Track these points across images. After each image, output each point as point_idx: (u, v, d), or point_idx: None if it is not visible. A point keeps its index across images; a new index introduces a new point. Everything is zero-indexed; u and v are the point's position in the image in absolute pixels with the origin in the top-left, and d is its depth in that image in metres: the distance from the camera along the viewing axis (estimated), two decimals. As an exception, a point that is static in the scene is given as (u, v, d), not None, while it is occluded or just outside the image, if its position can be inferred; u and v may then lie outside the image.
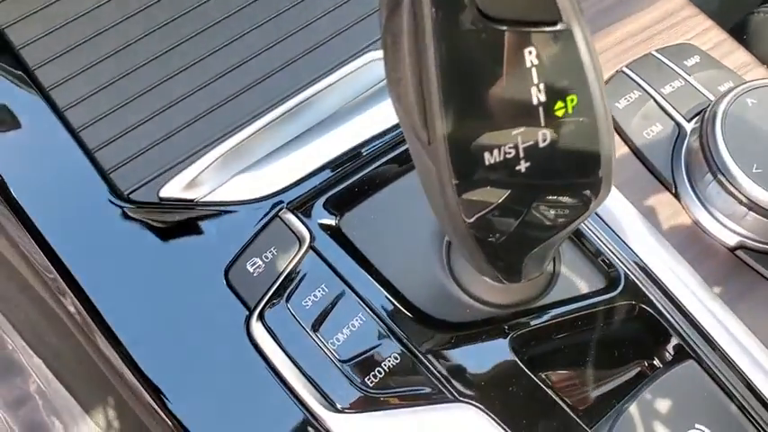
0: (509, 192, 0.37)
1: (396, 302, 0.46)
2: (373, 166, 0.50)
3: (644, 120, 0.52)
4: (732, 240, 0.48)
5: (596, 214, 0.49)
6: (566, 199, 0.38)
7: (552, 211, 0.38)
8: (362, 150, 0.51)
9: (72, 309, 0.50)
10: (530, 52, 0.32)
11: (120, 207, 0.49)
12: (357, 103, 0.52)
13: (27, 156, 0.51)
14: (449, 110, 0.33)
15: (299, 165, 0.51)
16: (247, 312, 0.46)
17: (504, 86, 0.33)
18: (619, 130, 0.52)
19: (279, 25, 0.56)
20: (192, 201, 0.50)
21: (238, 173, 0.50)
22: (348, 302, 0.46)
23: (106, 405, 0.92)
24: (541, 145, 0.35)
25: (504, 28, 0.31)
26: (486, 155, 0.34)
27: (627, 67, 0.54)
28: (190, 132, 0.52)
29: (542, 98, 0.34)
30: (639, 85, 0.53)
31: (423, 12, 0.31)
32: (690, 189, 0.50)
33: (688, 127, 0.51)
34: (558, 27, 0.32)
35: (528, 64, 0.32)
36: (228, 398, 0.45)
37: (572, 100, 0.34)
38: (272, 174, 0.51)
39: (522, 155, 0.35)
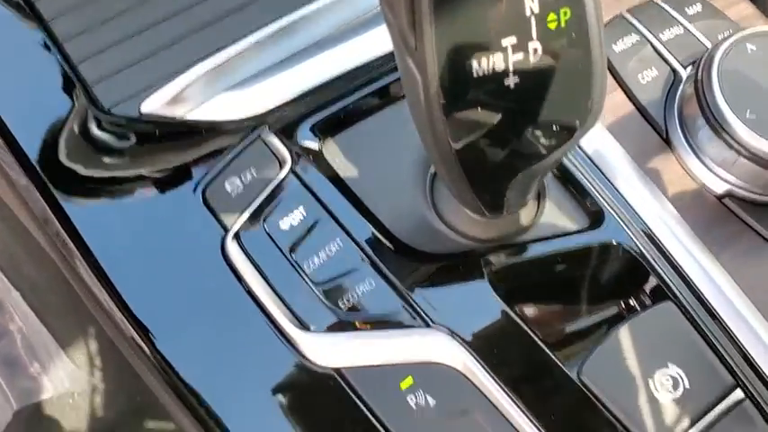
0: (496, 111, 0.36)
1: (374, 230, 0.45)
2: (362, 94, 0.49)
3: (640, 64, 0.51)
4: (720, 188, 0.48)
5: (585, 154, 0.48)
6: (552, 124, 0.37)
7: (538, 137, 0.37)
8: (352, 76, 0.50)
9: (52, 232, 0.49)
10: (523, -43, 0.31)
11: (101, 119, 0.48)
12: (350, 28, 0.51)
13: (8, 68, 0.50)
14: (439, 11, 0.32)
15: (286, 87, 0.49)
16: (224, 232, 0.45)
17: (497, -7, 0.32)
18: (614, 73, 0.51)
19: None
20: (173, 118, 0.49)
21: (222, 92, 0.49)
22: (326, 227, 0.45)
23: (86, 340, 0.91)
24: (531, 60, 0.34)
25: None
26: (474, 64, 0.33)
27: (627, 11, 0.53)
28: (175, 50, 0.51)
29: (535, 9, 0.33)
30: (638, 30, 0.52)
31: None
32: (681, 134, 0.49)
33: (684, 73, 0.50)
34: None
35: (522, -30, 0.32)
36: (203, 318, 0.44)
37: (565, 13, 0.33)
38: (258, 94, 0.49)
39: (511, 68, 0.34)
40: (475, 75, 0.34)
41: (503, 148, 0.37)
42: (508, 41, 0.33)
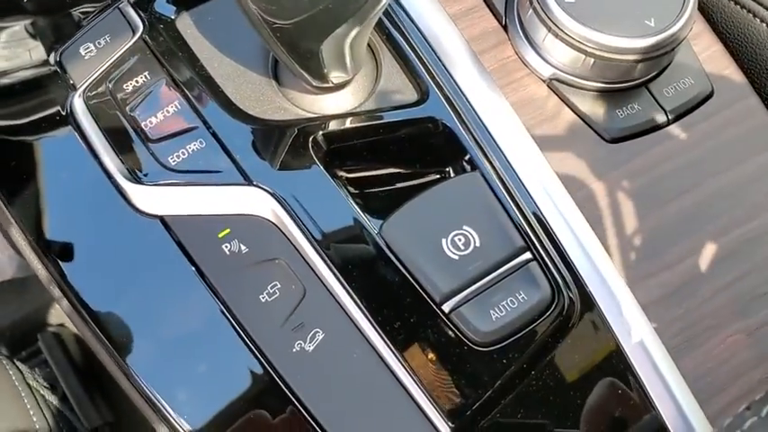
0: None
1: (212, 94, 0.48)
2: None
3: (489, -46, 0.53)
4: (547, 72, 0.50)
5: (422, 35, 0.51)
6: None
7: (333, 2, 0.40)
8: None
9: None
10: None
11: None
12: None
13: None
14: None
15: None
16: (73, 92, 0.49)
17: None
18: (465, -36, 0.54)
19: None
20: None
21: (89, -37, 0.52)
22: (166, 90, 0.48)
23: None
24: None
25: None
26: None
27: None
28: None
29: None
30: None
31: None
32: (516, 20, 0.51)
33: (528, -37, 0.53)
34: None
35: None
36: (45, 171, 0.48)
37: None
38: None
39: None
40: None
41: (302, 16, 0.40)
42: None
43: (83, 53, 0.50)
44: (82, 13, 0.52)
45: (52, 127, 0.49)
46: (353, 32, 0.42)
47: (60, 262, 0.46)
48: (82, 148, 0.47)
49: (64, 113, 0.48)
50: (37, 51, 0.52)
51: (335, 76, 0.46)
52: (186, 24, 0.51)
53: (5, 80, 0.51)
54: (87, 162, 0.47)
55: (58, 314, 0.90)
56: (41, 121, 0.49)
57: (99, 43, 0.50)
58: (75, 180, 0.48)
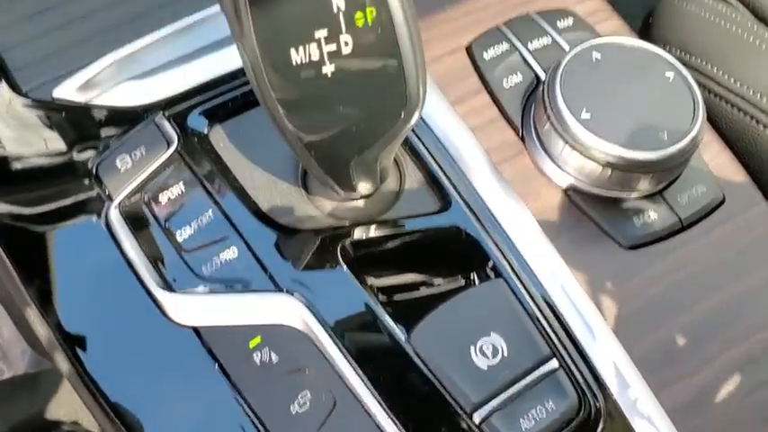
0: (320, 98, 0.41)
1: (243, 205, 0.50)
2: (249, 87, 0.54)
3: (506, 70, 0.56)
4: (564, 182, 0.52)
5: (443, 147, 0.53)
6: (375, 113, 0.42)
7: (363, 124, 0.42)
8: (242, 72, 0.55)
9: None
10: (328, -41, 0.36)
11: (16, 100, 0.54)
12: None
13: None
14: (254, 7, 0.37)
15: (184, 78, 0.55)
16: (109, 202, 0.51)
17: (306, -10, 0.37)
18: (482, 78, 0.56)
19: None
20: (81, 102, 0.54)
21: (129, 79, 0.55)
22: (200, 200, 0.50)
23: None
24: (344, 51, 0.39)
25: None
26: (293, 52, 0.38)
27: (503, 23, 0.59)
28: (88, 43, 0.56)
29: (341, 6, 0.38)
30: (509, 39, 0.57)
31: None
32: (533, 132, 0.54)
33: (544, 78, 0.55)
34: None
35: (326, -30, 0.37)
36: (84, 279, 0.49)
37: (371, 12, 0.38)
38: (159, 83, 0.55)
39: (326, 58, 0.39)
40: (294, 63, 0.39)
41: (333, 134, 0.43)
42: (320, 33, 0.38)
43: (119, 165, 0.52)
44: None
45: (87, 233, 0.50)
46: (383, 149, 0.45)
47: (89, 362, 0.47)
48: (117, 256, 0.49)
49: (100, 222, 0.50)
50: (53, 143, 0.54)
51: (363, 187, 0.48)
52: (219, 137, 0.53)
53: (28, 167, 0.53)
54: (121, 270, 0.49)
55: (72, 411, 0.90)
56: (76, 226, 0.51)
57: (135, 155, 0.52)
58: (109, 286, 0.49)
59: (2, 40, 0.57)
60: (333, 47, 0.39)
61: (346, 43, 0.39)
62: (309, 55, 0.39)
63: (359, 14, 0.38)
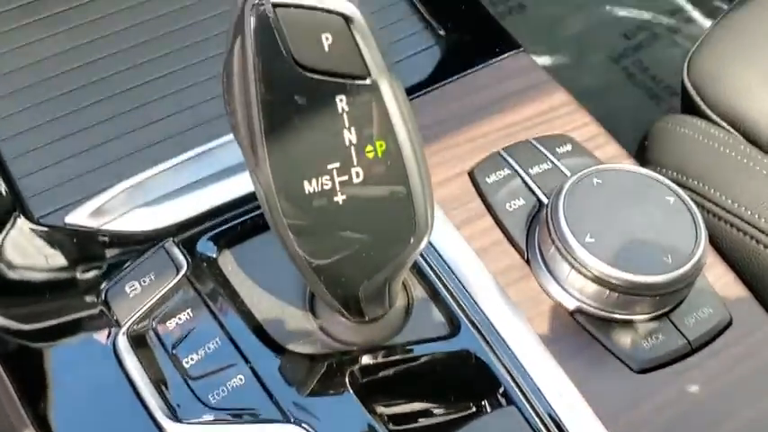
0: (331, 225, 0.42)
1: (252, 332, 0.50)
2: (257, 213, 0.56)
3: (508, 195, 0.58)
4: (571, 304, 0.53)
5: (450, 270, 0.53)
6: (384, 239, 0.43)
7: (373, 251, 0.43)
8: (252, 198, 0.56)
9: None
10: (341, 100, 0.38)
11: (29, 228, 0.55)
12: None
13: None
14: (270, 140, 0.38)
15: (193, 204, 0.56)
16: (117, 328, 0.50)
17: (319, 126, 0.38)
18: (485, 202, 0.58)
19: (204, 88, 0.63)
20: (92, 228, 0.55)
21: (139, 206, 0.56)
22: (208, 328, 0.50)
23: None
24: (355, 181, 0.40)
25: (318, 77, 0.37)
26: (306, 183, 0.40)
27: (503, 149, 0.60)
28: (103, 172, 0.58)
29: (353, 140, 0.39)
30: (510, 165, 0.59)
31: (247, 57, 0.37)
32: (538, 255, 0.54)
33: (546, 203, 0.56)
34: (367, 81, 0.38)
35: (339, 110, 0.38)
36: (92, 406, 0.49)
37: (381, 145, 0.40)
38: (169, 210, 0.56)
39: (338, 188, 0.40)
40: (306, 192, 0.40)
41: (343, 259, 0.43)
42: (333, 165, 0.40)
43: (128, 291, 0.52)
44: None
45: (94, 359, 0.50)
46: (392, 273, 0.45)
47: None
48: (123, 382, 0.49)
49: (107, 347, 0.50)
50: (65, 268, 0.54)
51: (372, 312, 0.48)
52: (227, 262, 0.54)
53: (38, 291, 0.54)
54: (127, 397, 0.48)
55: None
56: (83, 350, 0.51)
57: (144, 281, 0.52)
58: (114, 413, 0.48)
59: (17, 168, 0.58)
60: (345, 177, 0.40)
61: (357, 174, 0.40)
62: (322, 185, 0.40)
63: (369, 147, 0.40)
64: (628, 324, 0.52)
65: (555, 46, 1.44)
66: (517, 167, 0.59)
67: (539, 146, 0.61)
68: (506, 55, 0.67)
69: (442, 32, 0.68)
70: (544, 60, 1.42)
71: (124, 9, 0.66)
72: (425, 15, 0.69)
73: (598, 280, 0.50)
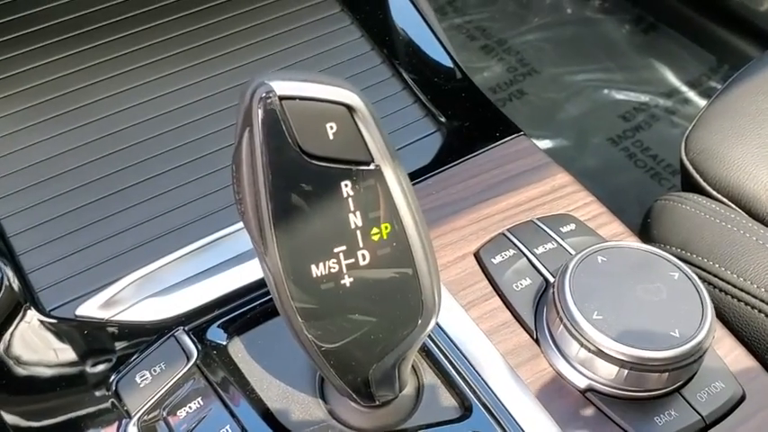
0: (338, 308, 0.42)
1: (262, 419, 0.50)
2: (265, 300, 0.56)
3: (515, 274, 0.58)
4: (582, 383, 0.52)
5: (460, 352, 0.54)
6: (392, 321, 0.43)
7: (381, 332, 0.43)
8: (259, 285, 0.57)
9: None
10: (346, 185, 0.39)
11: (40, 320, 0.56)
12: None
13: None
14: (278, 226, 0.39)
15: (202, 294, 0.57)
16: (128, 419, 0.50)
17: (325, 210, 0.39)
18: (492, 282, 0.58)
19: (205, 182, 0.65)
20: (103, 319, 0.56)
21: (148, 297, 0.57)
22: (219, 416, 0.50)
23: None
24: (362, 263, 0.41)
25: (323, 164, 0.39)
26: (313, 267, 0.40)
27: (508, 230, 0.61)
28: (112, 264, 0.59)
29: (359, 223, 0.40)
30: (515, 245, 0.60)
31: (255, 147, 0.38)
32: (547, 334, 0.54)
33: (552, 282, 0.57)
34: (371, 166, 0.39)
35: (345, 194, 0.39)
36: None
37: (386, 227, 0.41)
38: (179, 299, 0.57)
39: (345, 270, 0.41)
40: (314, 275, 0.41)
41: (351, 342, 0.44)
42: (339, 249, 0.40)
43: (138, 381, 0.52)
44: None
45: None
46: (401, 355, 0.45)
47: None
48: None
49: None
50: (74, 360, 0.55)
51: (382, 396, 0.48)
52: (237, 349, 0.54)
53: (48, 383, 0.54)
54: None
55: None
56: None
57: (154, 370, 0.53)
58: None
59: (28, 261, 0.60)
60: (351, 260, 0.41)
61: (364, 256, 0.41)
62: (329, 268, 0.41)
63: (375, 230, 0.41)
64: (640, 401, 0.52)
65: (555, 129, 1.47)
66: (522, 247, 0.60)
67: (543, 226, 0.62)
68: (507, 139, 0.69)
69: (443, 119, 0.70)
70: (545, 144, 1.45)
71: (131, 107, 0.69)
72: (426, 104, 0.71)
73: (607, 356, 0.50)
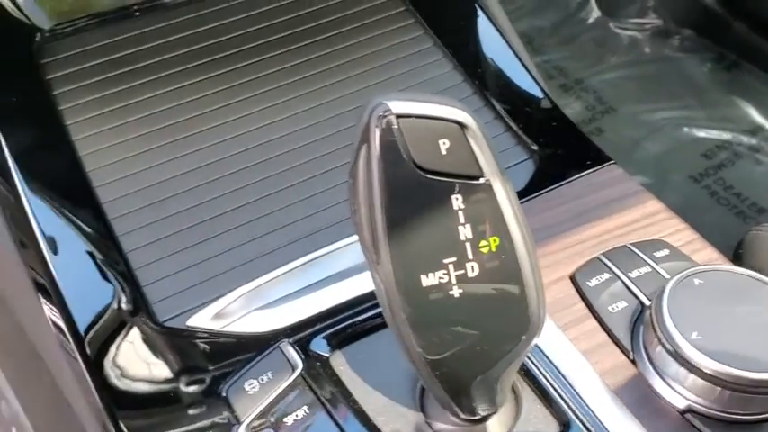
0: (447, 318, 0.44)
1: (365, 428, 0.52)
2: (368, 315, 0.59)
3: (610, 297, 0.59)
4: (681, 404, 0.52)
5: (558, 371, 0.54)
6: (498, 332, 0.45)
7: (487, 344, 0.45)
8: (363, 300, 0.60)
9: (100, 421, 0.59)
10: (456, 198, 0.42)
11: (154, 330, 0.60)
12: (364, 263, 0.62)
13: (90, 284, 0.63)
14: (391, 237, 0.42)
15: (307, 307, 0.60)
16: (237, 425, 0.53)
17: (436, 222, 0.42)
18: (588, 304, 0.59)
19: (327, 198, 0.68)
20: (213, 330, 0.59)
21: (255, 309, 0.60)
22: (323, 424, 0.52)
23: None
24: (470, 275, 0.43)
25: (436, 178, 0.41)
26: (423, 277, 0.43)
27: (602, 254, 0.62)
28: (221, 279, 0.63)
29: (468, 235, 0.42)
30: (610, 269, 0.61)
31: (372, 162, 0.41)
32: (644, 355, 0.55)
33: (648, 304, 0.57)
34: (481, 181, 0.41)
35: (455, 207, 0.42)
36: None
37: (495, 240, 0.43)
38: (284, 312, 0.60)
39: (454, 281, 0.43)
40: (424, 285, 0.43)
41: (457, 354, 0.45)
42: (449, 260, 0.42)
43: (247, 389, 0.55)
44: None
45: None
46: (505, 369, 0.47)
47: None
48: None
49: None
50: (186, 369, 0.58)
51: (483, 409, 0.50)
52: (340, 362, 0.57)
53: (160, 393, 0.57)
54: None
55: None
56: None
57: (262, 380, 0.55)
58: None
59: (143, 275, 0.64)
60: (460, 271, 0.43)
61: (473, 268, 0.43)
62: (439, 279, 0.43)
63: (483, 243, 0.42)
64: (741, 425, 0.52)
65: (635, 167, 1.46)
66: (617, 271, 0.60)
67: (636, 251, 0.62)
68: (599, 167, 0.70)
69: (534, 147, 0.72)
70: (626, 181, 1.44)
71: (241, 134, 0.73)
72: (518, 132, 0.73)
73: (707, 377, 0.50)
